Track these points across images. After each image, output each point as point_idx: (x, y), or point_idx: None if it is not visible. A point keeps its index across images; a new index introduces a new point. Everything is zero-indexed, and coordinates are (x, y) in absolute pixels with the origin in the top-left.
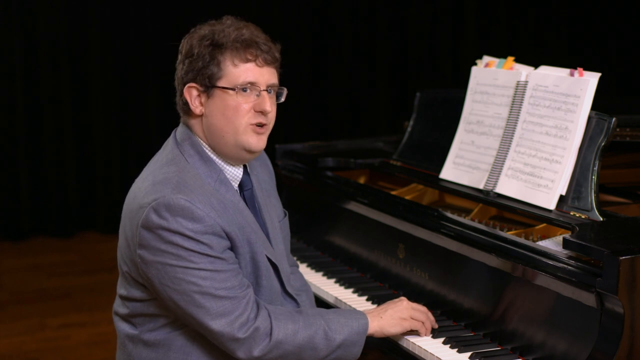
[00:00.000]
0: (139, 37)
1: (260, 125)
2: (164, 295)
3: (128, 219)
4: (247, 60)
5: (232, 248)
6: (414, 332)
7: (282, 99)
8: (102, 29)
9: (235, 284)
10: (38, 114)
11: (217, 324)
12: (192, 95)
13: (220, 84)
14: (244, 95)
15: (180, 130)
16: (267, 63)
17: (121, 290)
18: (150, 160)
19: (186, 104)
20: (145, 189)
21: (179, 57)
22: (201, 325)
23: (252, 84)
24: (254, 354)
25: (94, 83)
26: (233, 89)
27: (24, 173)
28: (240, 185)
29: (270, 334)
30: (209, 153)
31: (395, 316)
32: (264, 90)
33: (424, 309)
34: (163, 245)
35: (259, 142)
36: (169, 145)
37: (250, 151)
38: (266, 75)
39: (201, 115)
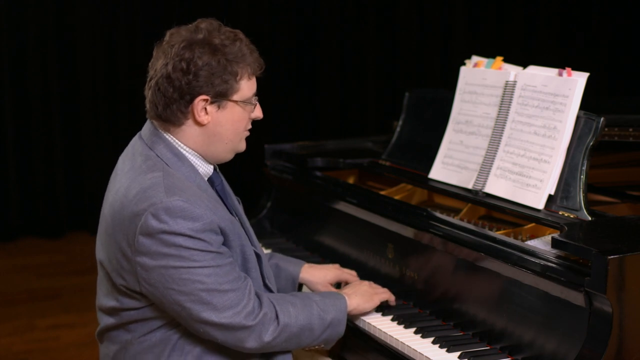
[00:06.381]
0: (135, 36)
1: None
2: (169, 299)
3: (119, 230)
4: (255, 74)
5: (225, 242)
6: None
7: None
8: (94, 26)
9: (236, 276)
10: (27, 113)
11: (225, 317)
12: (199, 106)
13: (235, 98)
14: (250, 106)
15: (148, 132)
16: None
17: (110, 302)
18: (116, 169)
19: (184, 113)
20: (133, 196)
21: (175, 64)
22: (209, 323)
23: (255, 96)
24: (264, 339)
25: (84, 82)
26: (250, 103)
27: (13, 173)
28: (210, 181)
29: (277, 317)
30: (184, 152)
31: (367, 294)
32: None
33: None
34: (165, 249)
35: (245, 146)
36: (137, 151)
37: (236, 154)
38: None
39: (202, 124)
